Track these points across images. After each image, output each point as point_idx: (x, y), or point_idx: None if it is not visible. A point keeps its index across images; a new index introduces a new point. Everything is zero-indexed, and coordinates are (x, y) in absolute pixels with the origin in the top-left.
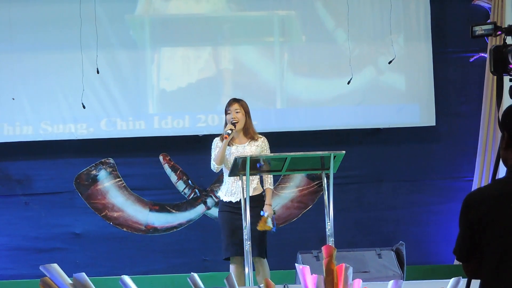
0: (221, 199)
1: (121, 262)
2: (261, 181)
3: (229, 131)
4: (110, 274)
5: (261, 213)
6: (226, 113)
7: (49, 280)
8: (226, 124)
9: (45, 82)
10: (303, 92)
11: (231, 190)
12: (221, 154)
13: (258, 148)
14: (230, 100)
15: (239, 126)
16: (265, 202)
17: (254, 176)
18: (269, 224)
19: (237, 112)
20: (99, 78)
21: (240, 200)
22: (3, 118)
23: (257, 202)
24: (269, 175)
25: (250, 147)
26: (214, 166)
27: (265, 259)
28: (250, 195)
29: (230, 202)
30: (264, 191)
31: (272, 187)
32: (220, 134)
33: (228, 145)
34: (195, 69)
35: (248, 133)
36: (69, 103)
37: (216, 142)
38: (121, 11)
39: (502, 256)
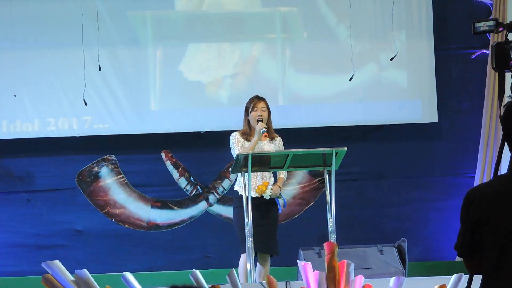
0: (239, 194)
1: (123, 259)
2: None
3: (265, 129)
4: (112, 270)
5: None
6: (251, 110)
7: (51, 277)
8: (247, 121)
9: (47, 79)
10: (305, 88)
11: (250, 185)
12: (252, 149)
13: (276, 146)
14: (254, 98)
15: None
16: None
17: (269, 175)
18: (267, 192)
19: (263, 111)
20: (101, 75)
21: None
22: (5, 115)
23: (272, 198)
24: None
25: (269, 145)
26: None
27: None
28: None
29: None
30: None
31: (285, 178)
32: (236, 130)
33: (248, 140)
34: (196, 66)
35: (269, 132)
36: (71, 100)
37: (237, 136)
38: (122, 8)
39: (502, 252)
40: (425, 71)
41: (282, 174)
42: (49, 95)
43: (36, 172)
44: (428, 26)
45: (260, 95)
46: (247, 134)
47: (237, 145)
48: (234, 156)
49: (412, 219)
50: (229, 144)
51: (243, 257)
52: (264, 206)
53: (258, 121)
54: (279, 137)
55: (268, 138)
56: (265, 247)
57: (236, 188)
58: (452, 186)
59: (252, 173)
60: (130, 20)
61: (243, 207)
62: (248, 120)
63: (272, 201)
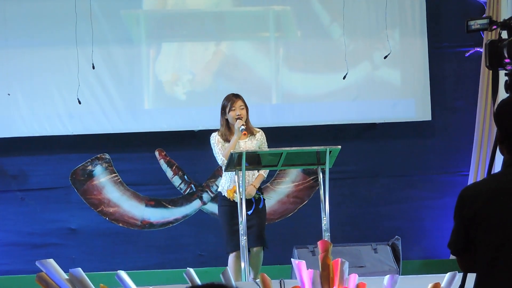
0: (223, 194)
1: (117, 258)
2: None
3: (243, 127)
4: (106, 269)
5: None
6: (229, 110)
7: (45, 276)
8: (225, 120)
9: (40, 78)
10: (298, 87)
11: (234, 184)
12: (232, 148)
13: (258, 142)
14: (230, 96)
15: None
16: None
17: (252, 174)
18: (236, 196)
19: (241, 109)
20: (95, 74)
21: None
22: None
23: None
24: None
25: (251, 142)
26: (224, 161)
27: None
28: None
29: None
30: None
31: (265, 175)
32: (217, 130)
33: (228, 140)
34: (190, 65)
35: (248, 128)
36: (65, 98)
37: (217, 137)
38: (116, 7)
39: (496, 250)
40: (419, 70)
41: (263, 171)
42: (42, 94)
43: (30, 171)
44: (421, 25)
45: (236, 93)
46: (225, 135)
47: (218, 145)
48: (216, 156)
49: (406, 217)
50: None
51: (231, 257)
52: (249, 203)
53: (237, 119)
54: (260, 132)
55: (248, 135)
56: (253, 241)
57: (219, 188)
58: (446, 185)
59: (232, 173)
60: (124, 19)
61: (226, 206)
62: (227, 120)
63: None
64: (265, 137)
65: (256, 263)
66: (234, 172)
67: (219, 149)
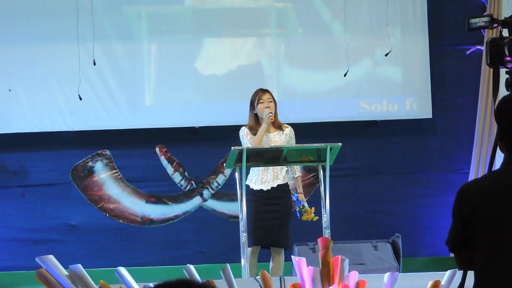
0: (250, 187)
1: (117, 254)
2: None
3: (271, 114)
4: (106, 265)
5: (295, 200)
6: (257, 103)
7: (45, 272)
8: (254, 115)
9: (41, 74)
10: (299, 84)
11: (261, 178)
12: (261, 138)
13: (287, 137)
14: (258, 90)
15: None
16: (298, 191)
17: (280, 167)
18: (313, 216)
19: (269, 101)
20: (96, 70)
21: (271, 188)
22: None
23: (283, 191)
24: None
25: (280, 136)
26: None
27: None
28: (280, 183)
29: (261, 190)
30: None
31: (301, 175)
32: (245, 125)
33: (255, 134)
34: (191, 61)
35: (276, 122)
36: (66, 94)
37: (246, 130)
38: (117, 3)
39: (495, 248)
40: (420, 67)
41: (298, 171)
42: (43, 90)
43: (31, 167)
44: (422, 22)
45: (263, 88)
46: (254, 128)
47: (246, 137)
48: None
49: (407, 215)
50: (239, 139)
51: (248, 251)
52: (272, 199)
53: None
54: (289, 127)
55: (277, 130)
56: (275, 240)
57: (247, 182)
58: (447, 182)
59: (259, 168)
60: (125, 15)
61: (253, 200)
62: (255, 114)
63: (281, 194)
64: (293, 134)
65: (277, 268)
66: (261, 170)
67: (248, 140)
